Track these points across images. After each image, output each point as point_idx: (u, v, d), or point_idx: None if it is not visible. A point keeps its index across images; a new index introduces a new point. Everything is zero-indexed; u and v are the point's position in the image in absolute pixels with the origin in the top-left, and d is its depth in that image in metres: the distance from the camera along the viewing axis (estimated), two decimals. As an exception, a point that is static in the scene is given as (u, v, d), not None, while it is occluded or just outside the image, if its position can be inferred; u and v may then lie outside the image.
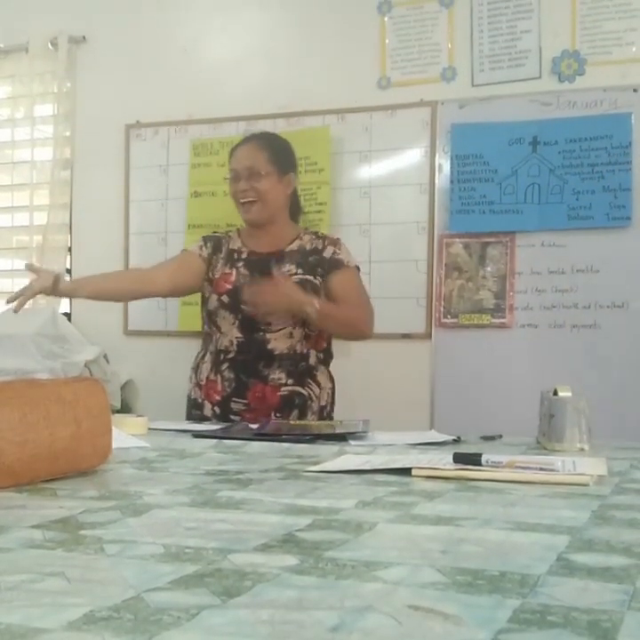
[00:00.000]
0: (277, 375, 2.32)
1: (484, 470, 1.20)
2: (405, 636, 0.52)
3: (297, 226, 2.51)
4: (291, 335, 2.33)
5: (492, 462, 1.22)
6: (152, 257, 3.44)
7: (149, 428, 1.84)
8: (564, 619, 0.56)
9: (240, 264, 2.40)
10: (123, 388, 3.39)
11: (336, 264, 2.38)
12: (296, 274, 2.34)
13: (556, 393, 1.66)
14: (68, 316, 3.55)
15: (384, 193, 3.17)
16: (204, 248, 2.46)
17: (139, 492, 1.04)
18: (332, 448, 1.57)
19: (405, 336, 3.13)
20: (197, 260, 2.44)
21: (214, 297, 2.38)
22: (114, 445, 1.28)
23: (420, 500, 1.01)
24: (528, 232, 2.99)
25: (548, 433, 1.62)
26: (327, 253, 2.38)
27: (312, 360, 2.37)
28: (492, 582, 0.65)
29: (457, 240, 3.07)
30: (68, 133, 3.56)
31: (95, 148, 3.53)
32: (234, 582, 0.64)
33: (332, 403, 2.44)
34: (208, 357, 2.41)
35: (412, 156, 3.14)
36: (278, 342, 2.32)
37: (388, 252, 3.17)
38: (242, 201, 2.37)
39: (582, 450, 1.58)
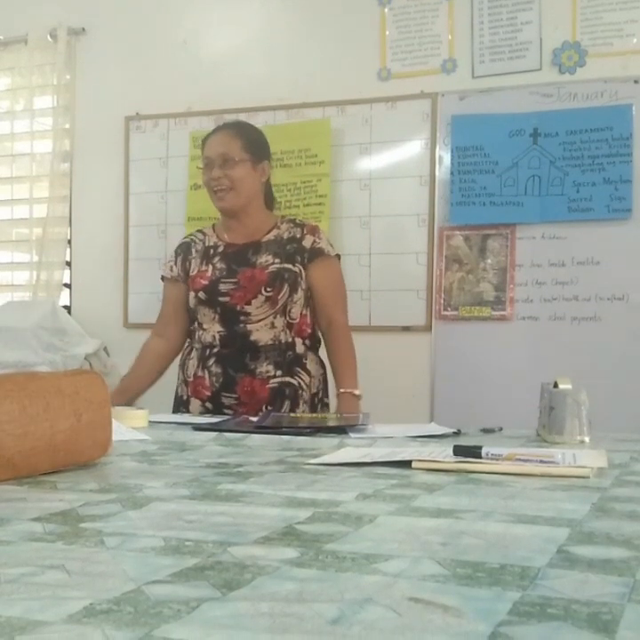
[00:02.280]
0: (265, 368, 2.30)
1: (484, 463, 1.20)
2: (405, 628, 0.52)
3: (273, 214, 2.48)
4: (273, 325, 2.31)
5: (492, 455, 1.22)
6: (151, 249, 3.45)
7: (149, 421, 1.84)
8: (565, 611, 0.56)
9: (216, 259, 2.37)
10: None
11: (317, 253, 2.36)
12: (273, 263, 2.32)
13: (556, 385, 1.66)
14: (68, 308, 3.55)
15: (384, 185, 3.16)
16: (174, 267, 2.43)
17: (139, 485, 1.04)
18: (332, 441, 1.57)
19: (405, 329, 3.13)
20: (177, 286, 2.42)
21: (191, 295, 2.36)
22: (114, 438, 1.28)
23: (421, 493, 1.01)
24: (528, 224, 2.99)
25: (549, 425, 1.62)
26: (307, 242, 2.36)
27: (299, 348, 2.35)
28: (492, 575, 0.65)
29: (457, 232, 3.06)
30: (67, 125, 3.56)
31: (95, 140, 3.53)
32: (234, 575, 0.64)
33: (325, 388, 2.42)
34: (194, 354, 2.38)
35: (413, 148, 3.13)
36: (261, 333, 2.30)
37: (388, 245, 3.17)
38: (215, 188, 2.34)
39: (582, 442, 1.58)
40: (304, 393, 2.34)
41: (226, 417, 2.11)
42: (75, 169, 3.56)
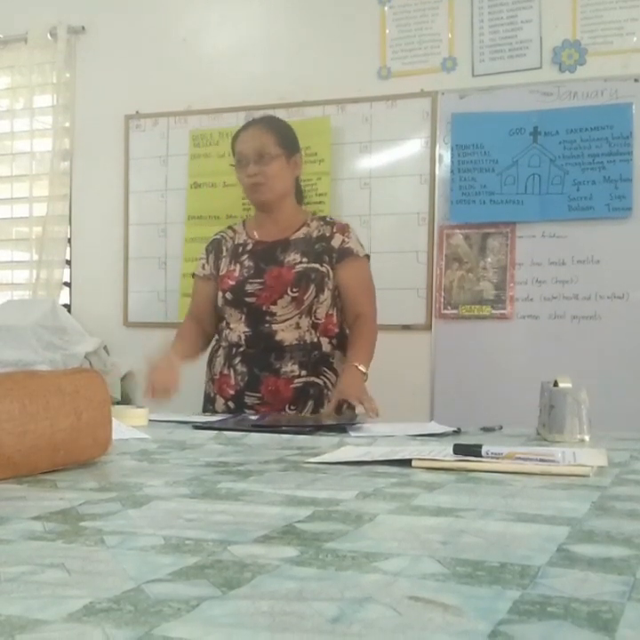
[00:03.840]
0: (290, 368, 2.29)
1: (484, 461, 1.20)
2: (405, 626, 0.52)
3: (304, 211, 2.47)
4: (297, 326, 2.30)
5: (492, 453, 1.22)
6: (151, 248, 3.45)
7: (149, 420, 1.84)
8: (565, 610, 0.56)
9: (244, 257, 2.37)
10: (123, 379, 3.39)
11: (345, 253, 2.34)
12: (300, 263, 2.31)
13: (556, 384, 1.66)
14: (68, 307, 3.55)
15: (384, 183, 3.16)
16: (206, 265, 2.45)
17: (139, 484, 1.04)
18: (332, 439, 1.57)
19: (405, 327, 3.13)
20: (209, 285, 2.43)
21: (220, 295, 2.38)
22: (114, 437, 1.28)
23: (421, 492, 1.01)
24: (529, 223, 2.99)
25: (549, 424, 1.62)
26: (336, 242, 2.34)
27: (326, 348, 2.33)
28: (492, 573, 0.65)
29: (457, 231, 3.06)
30: (67, 124, 3.55)
31: (94, 138, 3.52)
32: (234, 574, 0.64)
33: None
34: (221, 351, 2.40)
35: (413, 147, 3.13)
36: (286, 333, 2.30)
37: (388, 243, 3.16)
38: (250, 184, 2.33)
39: (582, 441, 1.58)
40: (329, 392, 2.31)
41: (226, 415, 2.11)
42: (74, 167, 3.56)
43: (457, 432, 1.72)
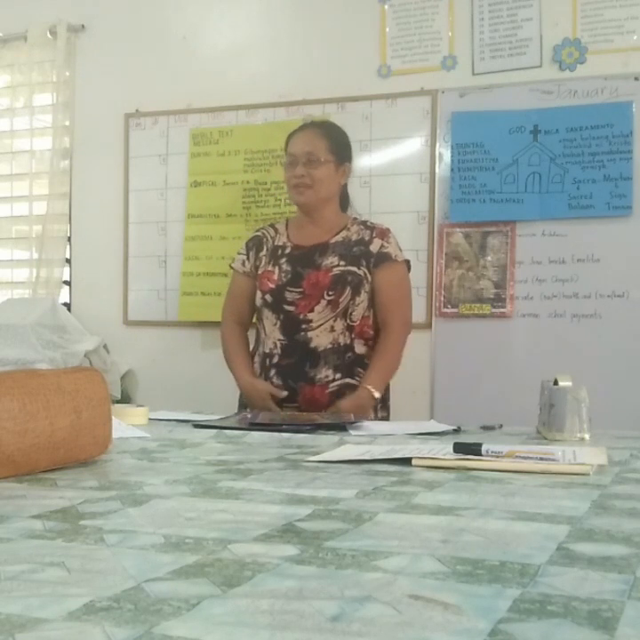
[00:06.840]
0: (324, 373, 2.29)
1: (484, 460, 1.20)
2: (405, 625, 0.52)
3: (345, 216, 2.48)
4: (332, 329, 2.30)
5: (492, 452, 1.22)
6: (151, 247, 3.45)
7: (149, 418, 1.84)
8: (565, 608, 0.56)
9: (283, 260, 2.37)
10: (123, 377, 3.39)
11: (383, 258, 2.34)
12: (338, 266, 2.31)
13: (556, 382, 1.66)
14: (67, 306, 3.55)
15: (384, 182, 3.16)
16: (246, 262, 2.45)
17: (139, 482, 1.04)
18: (332, 438, 1.57)
19: (405, 326, 3.12)
20: (249, 282, 2.44)
21: (259, 294, 2.38)
22: (114, 435, 1.28)
23: (420, 490, 1.01)
24: (529, 221, 2.98)
25: (549, 422, 1.62)
26: (374, 246, 2.35)
27: (359, 349, 2.33)
28: (492, 572, 0.65)
29: (457, 229, 3.06)
30: (67, 122, 3.55)
31: (94, 137, 3.52)
32: (234, 572, 0.64)
33: (386, 389, 2.40)
34: (257, 359, 2.40)
35: (413, 145, 3.13)
36: (321, 338, 2.29)
37: (388, 242, 3.16)
38: (295, 184, 2.35)
39: (582, 439, 1.58)
40: None
41: (226, 415, 2.12)
42: (74, 166, 3.56)
43: (457, 431, 1.72)
